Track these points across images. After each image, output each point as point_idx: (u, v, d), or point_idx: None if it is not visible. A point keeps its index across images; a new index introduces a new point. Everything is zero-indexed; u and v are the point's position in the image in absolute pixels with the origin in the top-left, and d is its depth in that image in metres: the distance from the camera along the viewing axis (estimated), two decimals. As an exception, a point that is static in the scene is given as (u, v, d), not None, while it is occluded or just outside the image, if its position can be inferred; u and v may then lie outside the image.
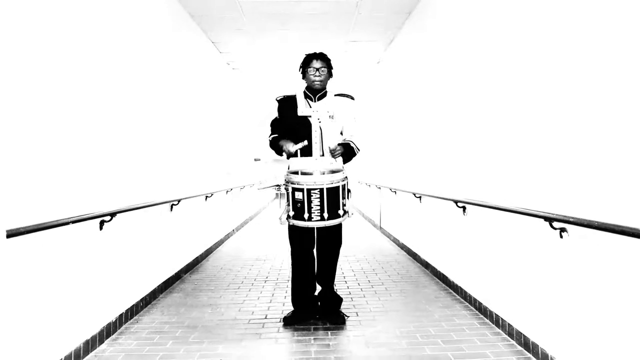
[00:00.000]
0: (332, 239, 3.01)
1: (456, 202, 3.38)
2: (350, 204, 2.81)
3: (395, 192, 5.91)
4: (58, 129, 2.36)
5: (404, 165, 5.71)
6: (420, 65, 4.84)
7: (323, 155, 2.90)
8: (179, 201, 4.09)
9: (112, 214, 2.71)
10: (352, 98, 3.08)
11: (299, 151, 2.83)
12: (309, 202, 2.64)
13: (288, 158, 2.94)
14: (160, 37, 4.05)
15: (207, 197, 5.39)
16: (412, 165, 5.29)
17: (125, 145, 3.18)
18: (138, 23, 3.52)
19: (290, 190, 2.70)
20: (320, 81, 2.93)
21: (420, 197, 4.69)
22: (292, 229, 2.94)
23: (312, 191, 2.62)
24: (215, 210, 6.08)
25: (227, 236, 6.92)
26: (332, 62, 3.03)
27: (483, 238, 3.15)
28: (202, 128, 5.57)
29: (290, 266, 3.16)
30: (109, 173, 2.90)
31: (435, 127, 4.28)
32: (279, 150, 2.98)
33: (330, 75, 3.00)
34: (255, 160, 10.88)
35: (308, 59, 2.96)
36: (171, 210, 4.07)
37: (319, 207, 2.65)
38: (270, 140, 3.05)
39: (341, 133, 3.07)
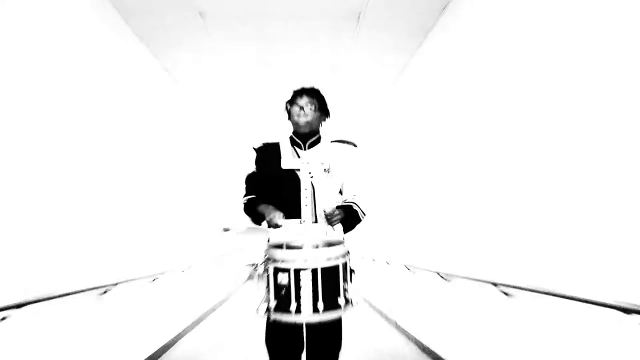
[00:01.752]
0: (328, 340, 2.35)
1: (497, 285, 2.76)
2: (353, 288, 2.23)
3: (411, 270, 4.94)
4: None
5: (424, 230, 4.83)
6: (452, 88, 4.06)
7: (316, 221, 2.35)
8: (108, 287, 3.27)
9: None
10: (355, 145, 2.59)
11: (282, 221, 2.27)
12: (297, 287, 2.00)
13: (269, 227, 2.36)
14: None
15: (154, 279, 4.45)
16: (435, 231, 4.46)
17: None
18: None
19: (271, 270, 2.07)
20: (307, 122, 2.48)
21: (448, 278, 3.88)
22: (272, 327, 2.31)
23: (301, 272, 2.00)
24: (165, 297, 4.99)
25: (180, 336, 5.45)
26: (325, 99, 2.56)
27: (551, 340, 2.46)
28: (151, 179, 4.75)
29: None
30: None
31: (476, 176, 3.56)
32: (257, 218, 2.42)
33: (323, 114, 2.54)
34: (225, 230, 9.04)
35: (293, 96, 2.52)
36: (101, 298, 3.27)
37: (311, 295, 2.04)
38: (245, 204, 2.50)
39: (340, 192, 2.54)
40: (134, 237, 4.17)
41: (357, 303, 2.15)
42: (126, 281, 3.58)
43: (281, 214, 2.29)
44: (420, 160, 5.12)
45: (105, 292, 3.30)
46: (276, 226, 2.28)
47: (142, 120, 4.75)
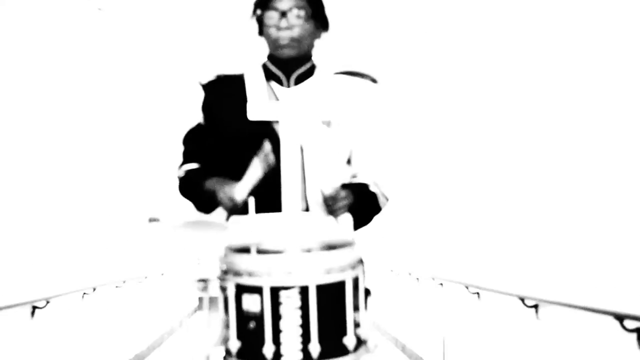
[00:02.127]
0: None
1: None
2: (369, 321, 1.47)
3: (477, 293, 3.89)
4: None
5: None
6: None
7: (308, 209, 1.61)
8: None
9: None
10: (374, 80, 1.80)
11: (252, 203, 1.50)
12: (276, 318, 1.29)
13: (228, 218, 1.60)
14: None
15: (34, 308, 3.26)
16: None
17: None
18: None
19: (231, 290, 1.32)
20: (293, 40, 1.67)
21: (535, 305, 3.12)
22: None
23: (282, 293, 1.29)
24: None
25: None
26: None
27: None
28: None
29: None
30: None
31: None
32: (202, 201, 1.68)
33: (319, 25, 1.73)
34: (151, 220, 6.25)
35: None
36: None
37: (298, 332, 1.29)
38: (181, 178, 1.75)
39: (349, 161, 1.77)
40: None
41: (376, 346, 1.39)
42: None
43: (246, 189, 1.52)
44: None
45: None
46: (234, 207, 1.53)
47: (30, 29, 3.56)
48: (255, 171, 1.54)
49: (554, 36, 3.03)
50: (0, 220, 3.14)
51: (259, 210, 1.52)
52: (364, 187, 1.78)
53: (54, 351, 3.40)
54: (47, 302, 3.35)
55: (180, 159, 1.81)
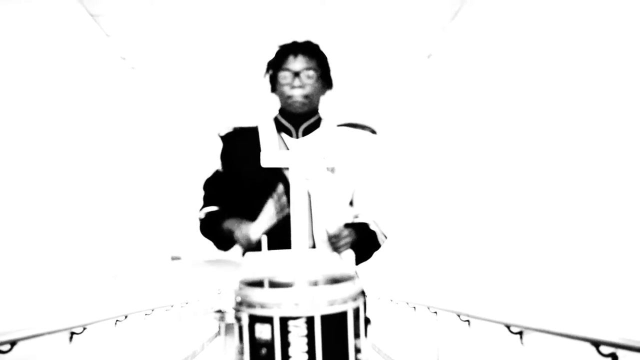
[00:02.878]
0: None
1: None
2: (368, 346, 1.52)
3: (467, 321, 3.98)
4: None
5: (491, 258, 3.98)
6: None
7: (314, 246, 1.68)
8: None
9: None
10: (374, 132, 1.89)
11: (265, 241, 1.57)
12: (285, 346, 1.33)
13: (243, 254, 1.67)
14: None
15: (72, 334, 3.34)
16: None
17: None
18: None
19: (245, 320, 1.38)
20: (306, 97, 1.75)
21: (520, 332, 3.17)
22: None
23: (291, 323, 1.34)
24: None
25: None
26: (328, 61, 1.82)
27: None
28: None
29: None
30: None
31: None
32: (221, 239, 1.74)
33: (325, 84, 1.83)
34: (173, 259, 6.37)
35: (280, 55, 1.77)
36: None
37: (306, 357, 1.32)
38: (202, 220, 1.82)
39: (351, 203, 1.85)
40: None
41: None
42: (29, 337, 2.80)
43: (260, 229, 1.59)
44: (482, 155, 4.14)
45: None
46: (249, 245, 1.60)
47: (65, 84, 3.69)
48: (268, 212, 1.60)
49: (554, 42, 2.90)
50: (42, 249, 3.15)
51: (271, 247, 1.59)
52: (364, 226, 1.83)
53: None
54: (84, 329, 3.38)
55: (201, 203, 1.87)
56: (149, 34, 4.42)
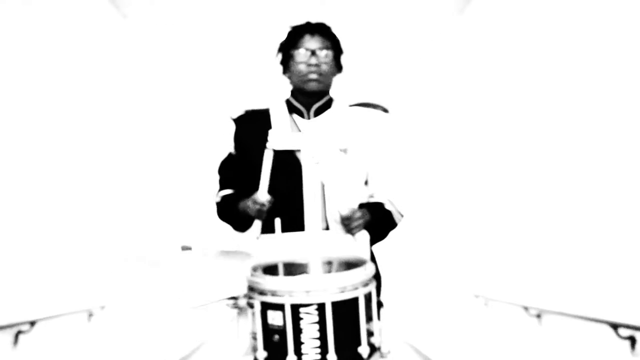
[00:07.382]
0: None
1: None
2: (382, 329, 1.50)
3: (538, 315, 3.15)
4: None
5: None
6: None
7: (327, 228, 1.67)
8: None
9: None
10: (386, 110, 1.89)
11: (278, 223, 1.57)
12: (297, 332, 1.34)
13: (259, 235, 1.67)
14: None
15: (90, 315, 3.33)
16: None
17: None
18: None
19: (257, 307, 1.39)
20: (320, 75, 1.74)
21: (538, 314, 3.00)
22: None
23: (302, 310, 1.35)
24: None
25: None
26: (340, 43, 1.82)
27: None
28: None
29: None
30: None
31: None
32: (238, 221, 1.74)
33: (338, 66, 1.82)
34: (184, 249, 6.17)
35: (294, 35, 1.77)
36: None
37: (317, 343, 1.34)
38: (218, 203, 1.82)
39: (365, 183, 1.83)
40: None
41: (388, 352, 1.43)
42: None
43: (264, 190, 1.56)
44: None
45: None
46: (261, 211, 1.58)
47: (80, 65, 3.64)
48: (265, 166, 1.58)
49: (555, 43, 2.85)
50: (55, 235, 3.20)
51: (284, 229, 1.59)
52: (379, 205, 1.81)
53: (111, 353, 3.48)
54: (103, 308, 3.46)
55: (217, 187, 1.88)
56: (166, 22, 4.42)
